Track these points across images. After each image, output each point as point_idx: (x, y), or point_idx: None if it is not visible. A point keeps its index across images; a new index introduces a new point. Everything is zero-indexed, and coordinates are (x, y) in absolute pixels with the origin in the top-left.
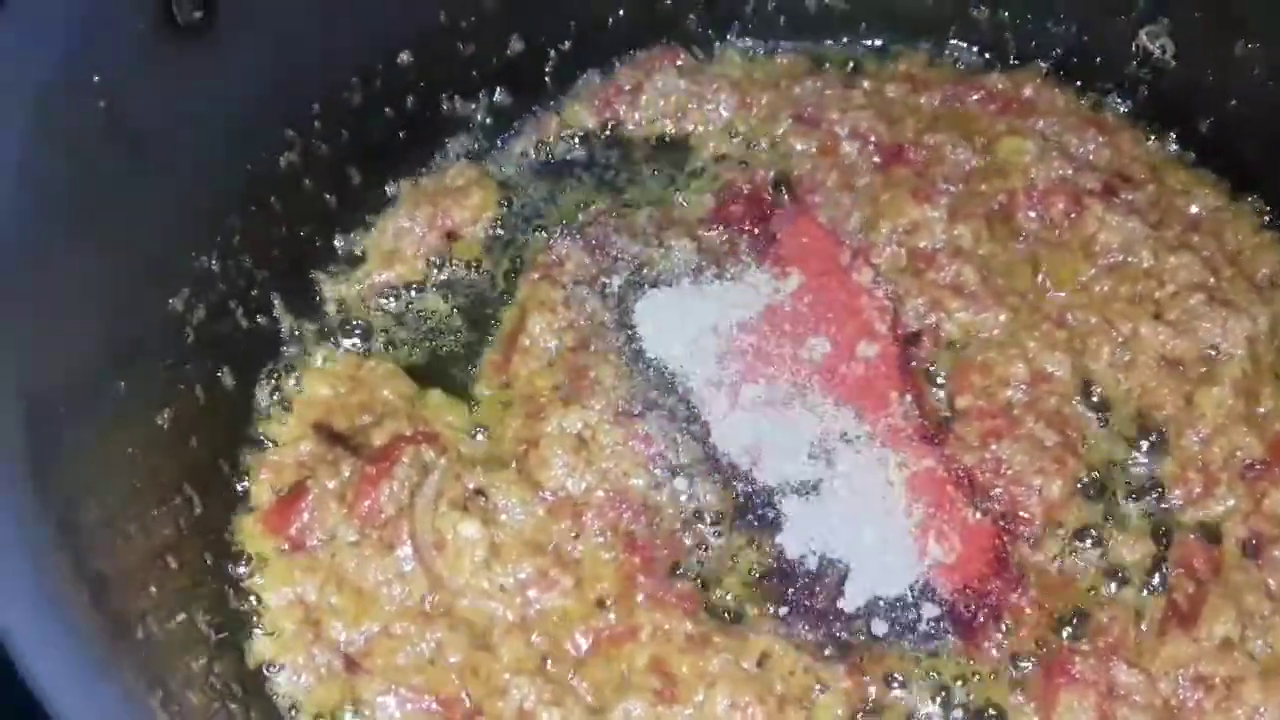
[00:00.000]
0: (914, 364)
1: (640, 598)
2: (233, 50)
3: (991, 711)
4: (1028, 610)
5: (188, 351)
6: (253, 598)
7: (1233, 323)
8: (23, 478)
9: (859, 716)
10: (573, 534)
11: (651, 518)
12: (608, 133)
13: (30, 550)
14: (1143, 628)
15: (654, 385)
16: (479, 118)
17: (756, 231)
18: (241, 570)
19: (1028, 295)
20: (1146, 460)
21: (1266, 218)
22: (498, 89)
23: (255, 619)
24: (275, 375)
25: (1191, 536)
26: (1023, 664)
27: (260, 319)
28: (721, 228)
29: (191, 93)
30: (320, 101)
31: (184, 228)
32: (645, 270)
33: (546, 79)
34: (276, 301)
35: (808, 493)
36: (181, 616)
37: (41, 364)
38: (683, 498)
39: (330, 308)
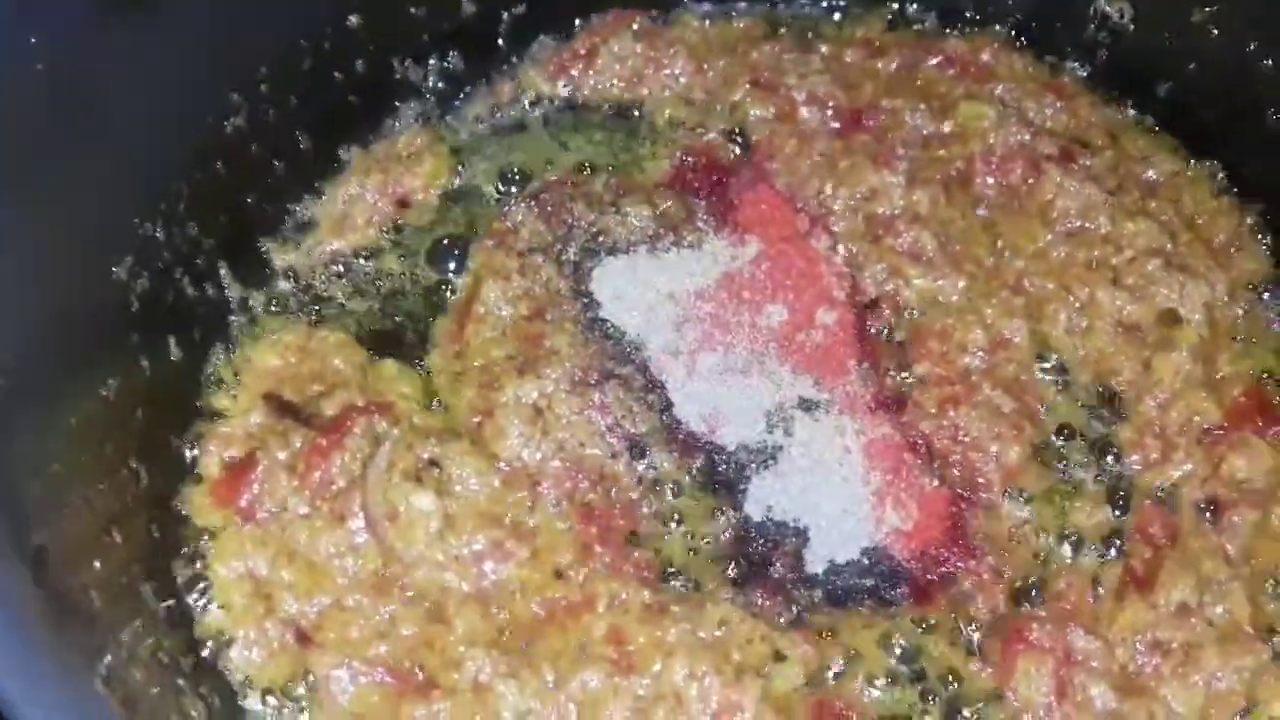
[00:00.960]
0: (872, 331)
1: (597, 568)
2: (177, 11)
3: (949, 677)
4: (985, 576)
5: (132, 321)
6: (202, 571)
7: (1190, 288)
8: None
9: (815, 684)
10: (529, 504)
11: (608, 487)
12: (563, 97)
13: None
14: (1100, 593)
15: (611, 354)
16: (431, 82)
17: (714, 198)
18: (190, 544)
19: (986, 261)
20: (1104, 426)
21: (1223, 182)
22: (450, 53)
23: (205, 593)
24: (223, 345)
25: (1148, 502)
26: (980, 630)
27: (208, 288)
28: (678, 194)
29: (134, 56)
30: (267, 65)
31: (127, 194)
32: (601, 238)
33: (500, 43)
34: (224, 270)
35: (766, 461)
36: (128, 591)
37: None
38: (640, 467)
39: (279, 276)
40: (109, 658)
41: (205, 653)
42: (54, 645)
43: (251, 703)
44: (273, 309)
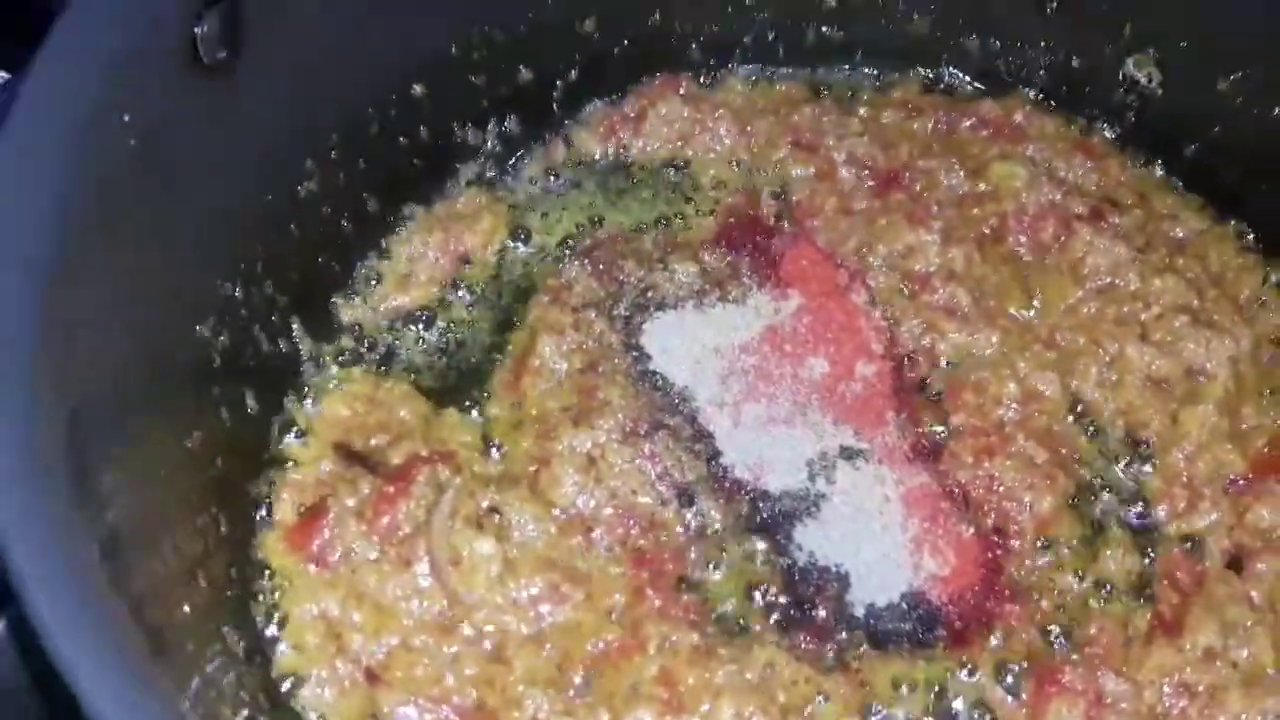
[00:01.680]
0: (909, 384)
1: (648, 610)
2: (255, 87)
3: (986, 718)
4: (1018, 621)
5: (214, 376)
6: (277, 612)
7: (1216, 343)
8: (67, 495)
9: None
10: (583, 549)
11: (658, 533)
12: (613, 159)
13: (77, 568)
14: (1130, 637)
15: (660, 405)
16: (489, 145)
17: (757, 254)
18: (266, 586)
19: (1019, 316)
20: (1133, 477)
21: (1249, 240)
22: (508, 117)
23: (280, 633)
24: (296, 397)
25: (1176, 550)
26: (1014, 673)
27: (281, 343)
28: (723, 251)
29: (217, 128)
30: (338, 132)
31: (210, 256)
32: (650, 293)
33: (554, 107)
34: (296, 325)
35: (808, 508)
36: (212, 631)
37: (79, 387)
38: (688, 514)
39: (347, 331)
40: (199, 694)
41: (281, 691)
42: (156, 683)
43: None
44: (342, 362)
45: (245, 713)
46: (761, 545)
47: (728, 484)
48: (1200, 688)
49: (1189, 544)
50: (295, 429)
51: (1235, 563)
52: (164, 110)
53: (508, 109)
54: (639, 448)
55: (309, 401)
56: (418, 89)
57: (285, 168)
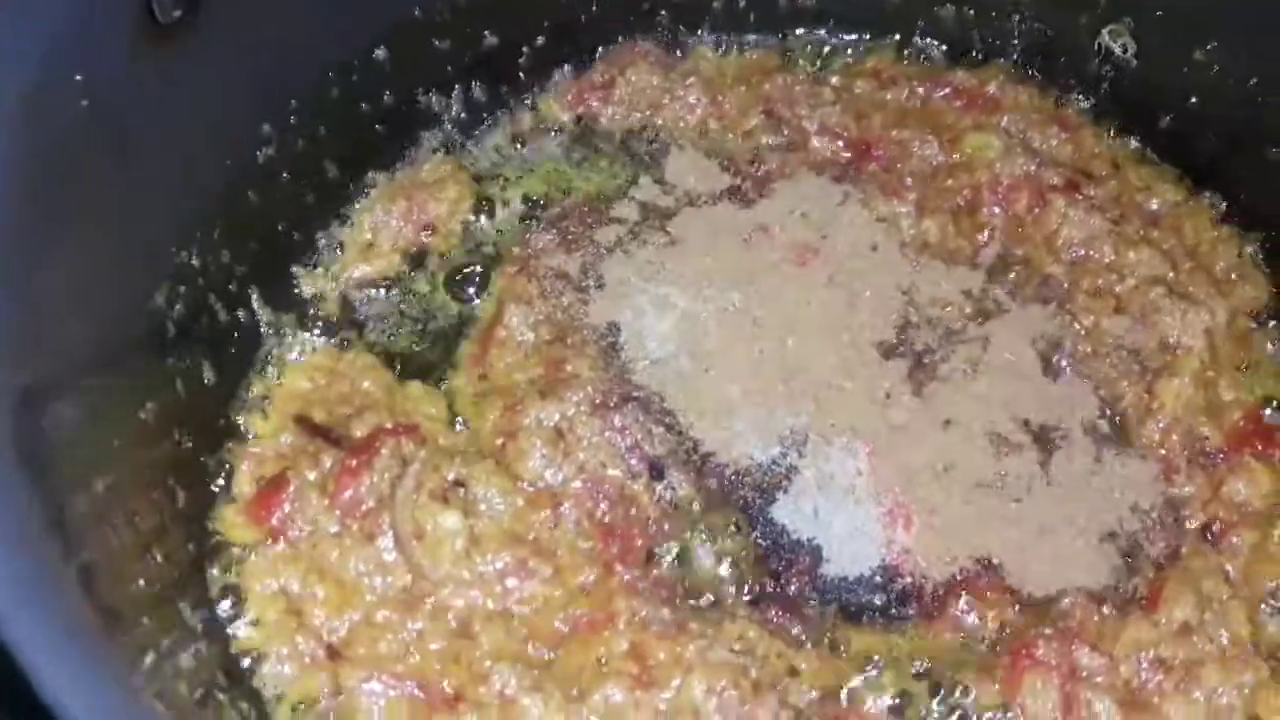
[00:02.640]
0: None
1: (617, 585)
2: (213, 48)
3: (959, 692)
4: (991, 595)
5: (169, 346)
6: (236, 588)
7: (1191, 316)
8: (12, 468)
9: (829, 697)
10: (551, 524)
11: (628, 507)
12: (581, 127)
13: (24, 543)
14: (1105, 612)
15: (630, 377)
16: (454, 112)
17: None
18: (225, 562)
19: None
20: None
21: (1224, 212)
22: (473, 83)
23: (239, 609)
24: (255, 368)
25: (1151, 523)
26: (987, 646)
27: (239, 313)
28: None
29: (173, 90)
30: (297, 97)
31: (165, 223)
32: (621, 263)
33: (520, 74)
34: (255, 296)
35: (780, 482)
36: (168, 608)
37: (28, 358)
38: (659, 488)
39: (309, 302)
40: (154, 670)
41: (240, 668)
42: (106, 655)
43: (284, 716)
44: (302, 333)
45: (203, 690)
46: (733, 519)
47: (699, 457)
48: (1176, 662)
49: (1164, 518)
50: (254, 401)
51: (1212, 536)
52: (117, 72)
53: (473, 75)
54: (608, 420)
55: (269, 373)
56: (380, 53)
57: (242, 133)
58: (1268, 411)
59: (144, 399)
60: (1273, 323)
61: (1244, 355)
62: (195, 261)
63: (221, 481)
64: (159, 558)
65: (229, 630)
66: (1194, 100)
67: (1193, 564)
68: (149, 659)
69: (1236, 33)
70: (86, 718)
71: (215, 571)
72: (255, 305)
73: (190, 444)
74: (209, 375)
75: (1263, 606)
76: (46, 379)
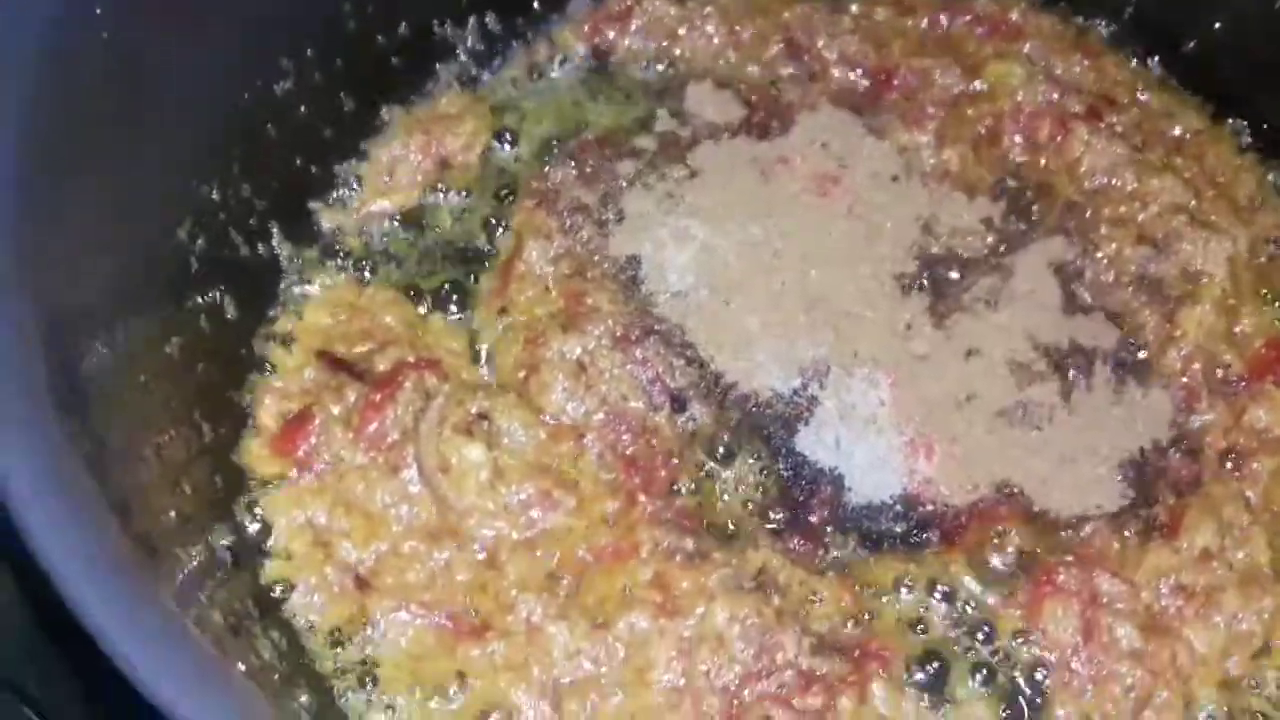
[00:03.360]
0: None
1: (640, 516)
2: None
3: (980, 617)
4: (1012, 522)
5: (193, 281)
6: (264, 520)
7: (1214, 244)
8: (49, 402)
9: (850, 624)
10: (574, 456)
11: (650, 439)
12: (598, 58)
13: (63, 475)
14: (1126, 538)
15: (651, 310)
16: (470, 43)
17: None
18: (252, 494)
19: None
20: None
21: (1247, 140)
22: (488, 14)
23: (267, 541)
24: (277, 304)
25: (1173, 450)
26: (1009, 573)
27: (260, 248)
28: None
29: (190, 23)
30: (314, 30)
31: (185, 157)
32: (640, 196)
33: (536, 4)
34: (275, 230)
35: (802, 413)
36: (198, 539)
37: (55, 293)
38: (680, 419)
39: (329, 236)
40: (189, 598)
41: (270, 598)
42: (144, 586)
43: (315, 645)
44: (323, 268)
45: (235, 619)
46: (755, 450)
47: (720, 389)
48: (1197, 588)
49: (1185, 445)
50: (277, 336)
51: (1233, 462)
52: (136, 3)
53: (488, 6)
54: (629, 353)
55: (291, 308)
56: None
57: (261, 66)
58: None
59: (170, 334)
60: None
61: (1266, 283)
62: (216, 196)
63: (247, 416)
64: (188, 490)
65: (259, 561)
66: (1217, 25)
67: (1213, 490)
68: (184, 588)
69: None
70: (129, 644)
71: (243, 504)
72: (275, 240)
73: (215, 379)
74: (232, 311)
75: None
76: (74, 313)
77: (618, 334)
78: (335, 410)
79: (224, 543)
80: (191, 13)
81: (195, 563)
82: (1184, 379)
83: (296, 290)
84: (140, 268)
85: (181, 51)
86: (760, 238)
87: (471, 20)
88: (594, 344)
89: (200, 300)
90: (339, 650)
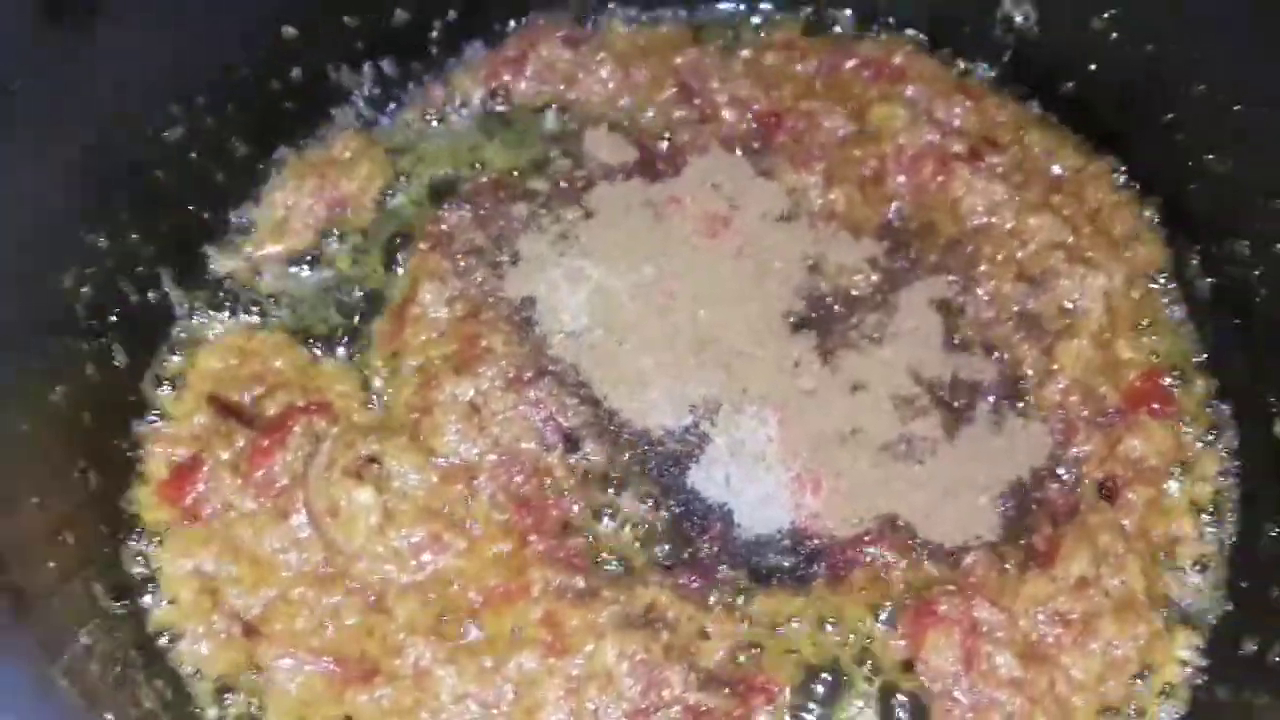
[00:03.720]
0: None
1: (532, 556)
2: (118, 26)
3: (865, 649)
4: (896, 554)
5: (78, 328)
6: (151, 568)
7: (1090, 279)
8: None
9: (739, 658)
10: (466, 498)
11: (543, 479)
12: (494, 102)
13: None
14: (1005, 568)
15: (545, 351)
16: (365, 88)
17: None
18: (139, 542)
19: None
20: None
21: (1123, 177)
22: (384, 59)
23: (154, 589)
24: (167, 349)
25: (1050, 481)
26: (893, 604)
27: (150, 294)
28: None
29: (75, 69)
30: (205, 75)
31: (71, 205)
32: (535, 238)
33: (432, 49)
34: (165, 276)
35: (692, 450)
36: (82, 589)
37: None
38: (573, 459)
39: (220, 281)
40: (66, 653)
41: (156, 647)
42: (16, 641)
43: (202, 693)
44: (214, 313)
45: (118, 669)
46: (647, 488)
47: (613, 428)
48: (1074, 615)
49: (1063, 475)
50: (166, 382)
51: (1107, 492)
52: (19, 52)
53: (384, 51)
54: (523, 394)
55: (180, 354)
56: (289, 30)
57: (150, 112)
58: (1166, 380)
59: (54, 381)
60: (1170, 283)
61: (1141, 316)
62: (103, 243)
63: (135, 464)
64: (70, 540)
65: (144, 610)
66: (1093, 67)
67: (1090, 520)
68: (59, 640)
69: (1133, 1)
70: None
71: (129, 552)
72: (166, 286)
73: (103, 426)
74: (120, 357)
75: (1157, 559)
76: None
77: (511, 375)
78: (224, 456)
79: (107, 592)
80: (74, 57)
81: (74, 613)
82: (1062, 411)
83: (187, 335)
84: (22, 314)
85: (66, 98)
86: (653, 278)
87: (367, 65)
88: (487, 385)
89: (86, 347)
90: (226, 697)
